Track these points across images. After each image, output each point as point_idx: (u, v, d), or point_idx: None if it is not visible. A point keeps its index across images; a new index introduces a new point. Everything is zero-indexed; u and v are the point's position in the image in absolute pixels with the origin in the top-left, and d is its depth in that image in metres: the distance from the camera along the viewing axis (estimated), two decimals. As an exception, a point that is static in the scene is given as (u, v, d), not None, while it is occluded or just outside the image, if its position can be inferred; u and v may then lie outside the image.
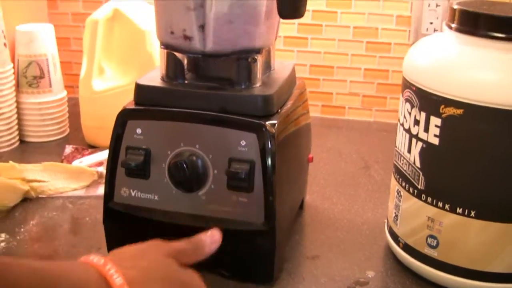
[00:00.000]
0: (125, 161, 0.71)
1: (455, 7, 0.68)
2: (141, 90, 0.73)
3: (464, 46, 0.66)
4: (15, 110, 1.11)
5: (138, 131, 0.71)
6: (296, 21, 1.27)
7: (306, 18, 1.28)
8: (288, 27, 1.27)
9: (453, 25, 0.68)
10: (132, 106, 0.73)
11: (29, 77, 1.11)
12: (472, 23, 0.66)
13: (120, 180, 0.72)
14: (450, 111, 0.64)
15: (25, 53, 1.11)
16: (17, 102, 1.12)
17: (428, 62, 0.68)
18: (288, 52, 1.32)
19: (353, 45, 1.30)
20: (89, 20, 1.08)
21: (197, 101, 0.70)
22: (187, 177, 0.69)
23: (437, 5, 1.24)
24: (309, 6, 1.24)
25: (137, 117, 0.71)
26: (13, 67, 1.10)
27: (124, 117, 0.71)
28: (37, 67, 1.11)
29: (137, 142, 0.71)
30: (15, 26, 1.13)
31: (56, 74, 1.14)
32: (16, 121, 1.11)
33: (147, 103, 0.72)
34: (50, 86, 1.13)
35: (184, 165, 0.68)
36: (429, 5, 1.24)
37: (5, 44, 1.07)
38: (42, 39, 1.11)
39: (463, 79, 0.64)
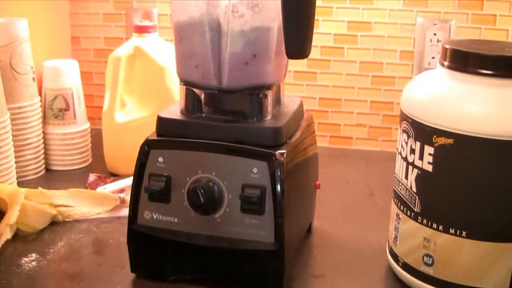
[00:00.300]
0: (148, 187, 0.77)
1: (447, 46, 0.75)
2: (162, 123, 0.80)
3: (455, 81, 0.73)
4: (42, 140, 1.18)
5: (160, 159, 0.78)
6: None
7: (315, 54, 1.35)
8: (298, 62, 1.34)
9: (445, 63, 0.75)
10: (154, 137, 0.79)
11: (55, 110, 1.19)
12: (462, 61, 0.73)
13: (143, 204, 0.79)
14: (442, 140, 0.71)
15: (51, 87, 1.19)
16: (44, 132, 1.19)
17: (422, 96, 0.75)
18: (298, 86, 1.39)
19: (360, 79, 1.37)
20: (112, 56, 1.15)
21: (213, 133, 0.77)
22: (204, 201, 0.75)
23: (438, 41, 1.31)
24: (318, 42, 1.34)
25: (159, 147, 0.78)
26: (40, 100, 1.18)
27: (147, 147, 0.78)
28: (62, 100, 1.19)
29: (159, 169, 0.77)
30: (42, 61, 1.21)
31: (80, 107, 1.21)
32: (42, 151, 1.18)
33: (168, 134, 0.79)
34: (75, 118, 1.20)
35: (202, 191, 0.74)
36: (431, 40, 1.31)
37: (33, 79, 1.15)
38: (68, 74, 1.19)
39: (453, 112, 0.70)
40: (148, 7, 1.40)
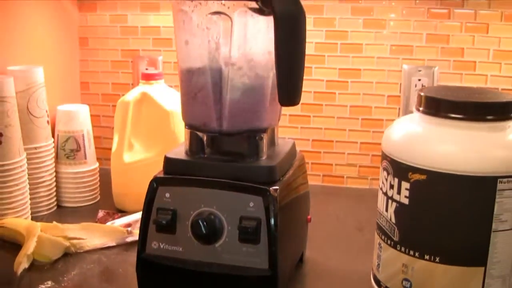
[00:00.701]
0: (156, 219, 0.86)
1: (422, 94, 0.85)
2: (169, 162, 0.89)
3: (428, 124, 0.83)
4: (54, 179, 1.27)
5: (167, 195, 0.86)
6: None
7: (308, 98, 1.45)
8: (293, 107, 1.44)
9: (420, 108, 0.85)
10: (162, 175, 0.88)
11: (67, 150, 1.28)
12: (435, 107, 0.83)
13: (151, 235, 0.87)
14: (416, 176, 0.80)
15: (64, 129, 1.28)
16: (56, 171, 1.28)
17: (399, 138, 0.84)
18: (293, 128, 1.48)
19: (350, 122, 1.46)
20: (121, 101, 1.25)
21: (214, 171, 0.86)
22: (206, 232, 0.83)
23: (423, 86, 1.40)
24: (311, 88, 1.44)
25: (166, 184, 0.87)
26: (54, 141, 1.27)
27: (156, 184, 0.87)
28: (74, 141, 1.28)
29: (166, 204, 0.86)
30: (54, 105, 1.30)
31: (90, 148, 1.31)
32: (54, 188, 1.27)
33: (174, 172, 0.88)
34: (85, 158, 1.29)
35: (204, 223, 0.83)
36: (416, 85, 1.40)
37: (48, 122, 1.24)
38: (80, 118, 1.28)
39: (426, 151, 0.80)
40: (153, 55, 1.51)
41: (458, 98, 0.83)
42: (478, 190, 0.78)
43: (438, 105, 0.82)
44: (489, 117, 0.81)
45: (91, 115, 1.35)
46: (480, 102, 0.82)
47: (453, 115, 0.81)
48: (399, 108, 1.43)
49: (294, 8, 0.77)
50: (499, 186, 0.77)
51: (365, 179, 1.48)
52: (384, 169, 0.86)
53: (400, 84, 1.42)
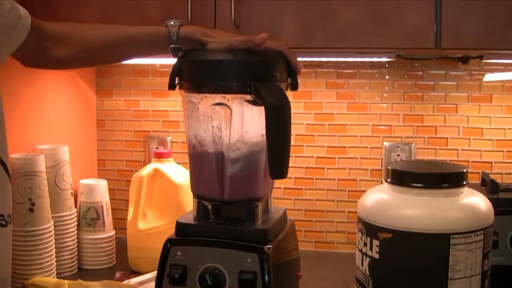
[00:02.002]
0: (170, 273, 1.01)
1: (389, 167, 1.03)
2: (180, 226, 1.05)
3: (394, 192, 1.00)
4: (76, 244, 1.43)
5: (179, 253, 1.02)
6: (292, 175, 1.62)
7: (301, 173, 1.62)
8: (287, 180, 1.50)
9: (388, 180, 1.02)
10: (174, 237, 1.05)
11: (88, 219, 1.45)
12: (399, 178, 1.01)
13: (165, 287, 1.03)
14: (384, 235, 0.97)
15: (85, 200, 1.45)
16: (78, 237, 1.44)
17: (370, 204, 1.02)
18: (287, 200, 1.63)
19: (338, 193, 1.62)
20: (135, 176, 1.43)
21: (218, 233, 1.03)
22: (211, 284, 0.99)
23: (401, 159, 1.58)
24: (303, 164, 1.62)
25: (178, 244, 1.03)
26: (76, 211, 1.44)
27: (169, 244, 1.03)
28: (94, 211, 1.45)
29: (178, 260, 1.02)
30: (76, 179, 1.48)
31: (108, 217, 1.47)
32: (76, 252, 1.43)
33: (184, 234, 1.04)
34: (104, 226, 1.46)
35: (210, 276, 0.99)
36: (395, 160, 1.58)
37: (71, 194, 1.42)
38: (99, 191, 1.46)
39: (391, 214, 0.97)
40: (162, 136, 1.69)
41: (418, 170, 1.01)
42: (435, 245, 0.95)
43: (402, 177, 1.00)
44: (444, 185, 0.99)
45: (107, 189, 1.51)
46: (436, 173, 1.00)
47: (414, 184, 0.99)
48: (381, 180, 1.59)
49: (281, 100, 0.95)
50: (452, 241, 0.94)
51: (353, 244, 1.58)
52: (359, 230, 1.03)
53: (382, 159, 1.59)
